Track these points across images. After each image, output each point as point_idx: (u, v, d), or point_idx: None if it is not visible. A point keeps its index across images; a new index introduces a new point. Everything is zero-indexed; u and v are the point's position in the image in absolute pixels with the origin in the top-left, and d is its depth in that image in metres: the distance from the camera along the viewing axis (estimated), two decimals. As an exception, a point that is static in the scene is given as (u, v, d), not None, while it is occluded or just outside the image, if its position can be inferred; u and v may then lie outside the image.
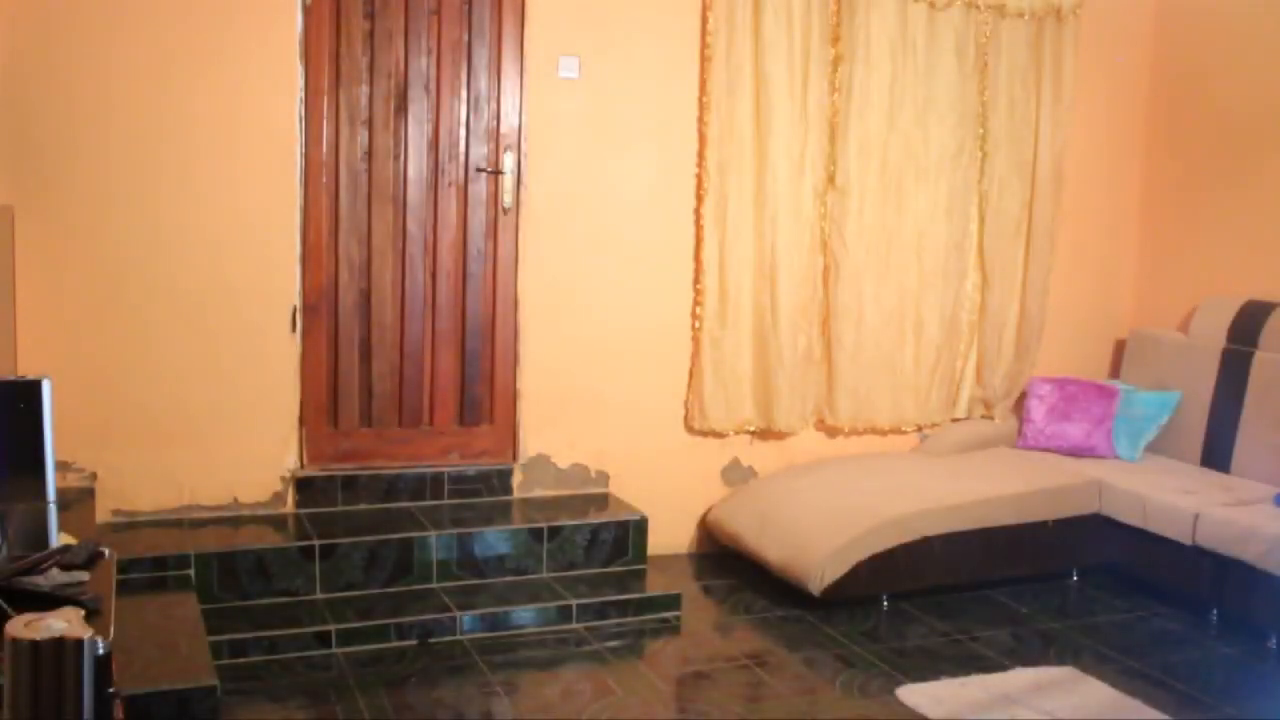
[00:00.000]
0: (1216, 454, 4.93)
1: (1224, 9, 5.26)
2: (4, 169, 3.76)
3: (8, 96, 3.75)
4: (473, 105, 4.36)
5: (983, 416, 5.37)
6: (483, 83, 4.37)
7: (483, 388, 4.49)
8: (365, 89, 4.21)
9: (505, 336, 4.50)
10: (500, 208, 4.40)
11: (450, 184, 4.36)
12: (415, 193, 4.32)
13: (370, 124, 4.24)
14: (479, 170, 4.39)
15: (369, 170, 4.26)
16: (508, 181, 4.41)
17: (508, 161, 4.39)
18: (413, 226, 4.33)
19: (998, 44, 5.12)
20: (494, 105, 4.39)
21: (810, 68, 4.75)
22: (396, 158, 4.28)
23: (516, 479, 4.55)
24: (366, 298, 4.31)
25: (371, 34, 4.20)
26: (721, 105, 4.65)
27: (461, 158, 4.37)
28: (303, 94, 4.11)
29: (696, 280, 4.75)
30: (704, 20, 4.61)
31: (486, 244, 4.43)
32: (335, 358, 4.29)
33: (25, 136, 3.79)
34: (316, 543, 3.92)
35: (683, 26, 4.61)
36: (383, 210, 4.29)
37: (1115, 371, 5.61)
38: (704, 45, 4.63)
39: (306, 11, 4.09)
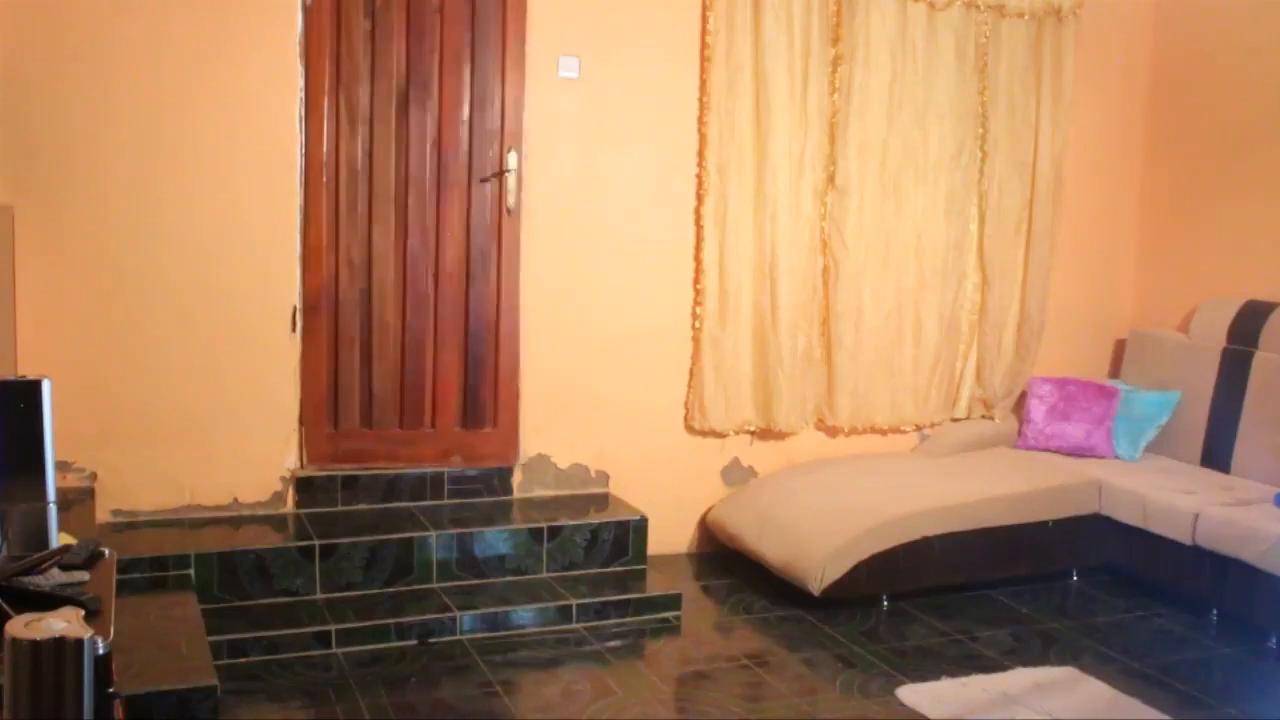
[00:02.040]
0: (1216, 454, 4.93)
1: (1223, 10, 5.26)
2: (4, 169, 3.76)
3: (8, 97, 3.75)
4: (475, 105, 4.35)
5: (983, 416, 5.37)
6: (484, 83, 4.34)
7: (486, 391, 4.47)
8: (366, 89, 4.20)
9: (509, 339, 4.47)
10: (505, 208, 4.39)
11: (452, 184, 4.35)
12: (417, 193, 4.30)
13: (371, 124, 4.23)
14: (481, 170, 4.37)
15: (370, 171, 4.24)
16: (510, 182, 4.39)
17: (511, 161, 4.37)
18: (414, 227, 4.31)
19: (997, 44, 5.12)
20: (497, 105, 4.37)
21: (810, 68, 4.75)
22: (398, 158, 4.27)
23: (516, 479, 4.55)
24: (367, 298, 4.29)
25: (372, 34, 4.19)
26: (721, 105, 4.65)
27: (463, 158, 4.35)
28: (303, 94, 4.11)
29: (696, 280, 4.75)
30: (704, 20, 4.61)
31: (490, 244, 4.41)
32: (335, 359, 4.28)
33: (25, 137, 3.79)
34: (316, 543, 3.92)
35: (683, 26, 4.61)
36: (384, 211, 4.28)
37: (1115, 371, 5.61)
38: (704, 45, 4.63)
39: (306, 11, 4.09)
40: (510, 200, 4.36)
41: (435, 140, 4.31)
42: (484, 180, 4.36)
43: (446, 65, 4.29)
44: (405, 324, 4.35)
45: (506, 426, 4.51)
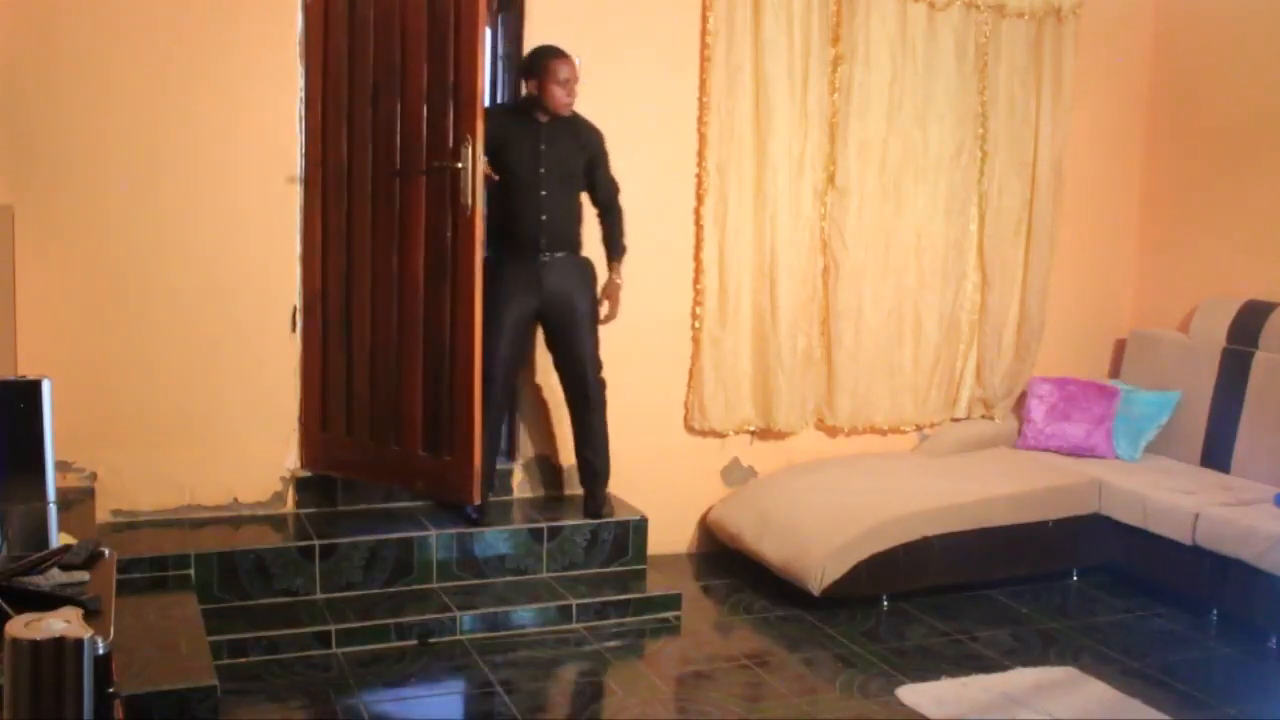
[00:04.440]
0: (1216, 454, 4.93)
1: (1223, 9, 5.26)
2: (4, 169, 3.76)
3: (8, 97, 3.74)
4: (433, 94, 3.94)
5: (983, 416, 5.37)
6: (441, 68, 3.93)
7: (444, 414, 3.96)
8: (349, 84, 4.07)
9: (465, 353, 3.90)
10: (461, 206, 3.88)
11: (412, 181, 4.00)
12: (385, 191, 4.05)
13: (351, 120, 4.07)
14: (429, 170, 3.96)
15: (350, 168, 4.09)
16: (465, 178, 3.86)
17: (464, 155, 3.84)
18: (381, 227, 4.06)
19: (997, 44, 5.12)
20: (453, 94, 3.91)
21: (810, 68, 4.74)
22: (374, 154, 4.06)
23: (516, 479, 4.55)
24: (349, 301, 4.11)
25: (351, 24, 4.04)
26: (721, 105, 4.65)
27: (423, 152, 3.99)
28: (303, 94, 4.10)
29: (696, 280, 4.74)
30: (704, 21, 4.61)
31: (446, 247, 3.98)
32: (325, 362, 4.19)
33: (25, 137, 3.78)
34: (316, 543, 3.92)
35: (683, 27, 4.61)
36: (362, 210, 4.08)
37: (1115, 371, 5.61)
38: (704, 46, 4.63)
39: (306, 11, 4.08)
40: (465, 198, 3.82)
41: (401, 134, 3.99)
42: (429, 171, 3.90)
43: (409, 53, 3.93)
44: (375, 332, 4.11)
45: (462, 456, 3.93)
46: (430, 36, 3.93)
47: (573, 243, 4.26)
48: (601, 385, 4.31)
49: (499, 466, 4.48)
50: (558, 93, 4.08)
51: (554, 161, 4.14)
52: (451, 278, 3.92)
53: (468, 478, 3.94)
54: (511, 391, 4.37)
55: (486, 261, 4.11)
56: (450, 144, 3.90)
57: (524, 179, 4.11)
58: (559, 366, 4.33)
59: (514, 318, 4.15)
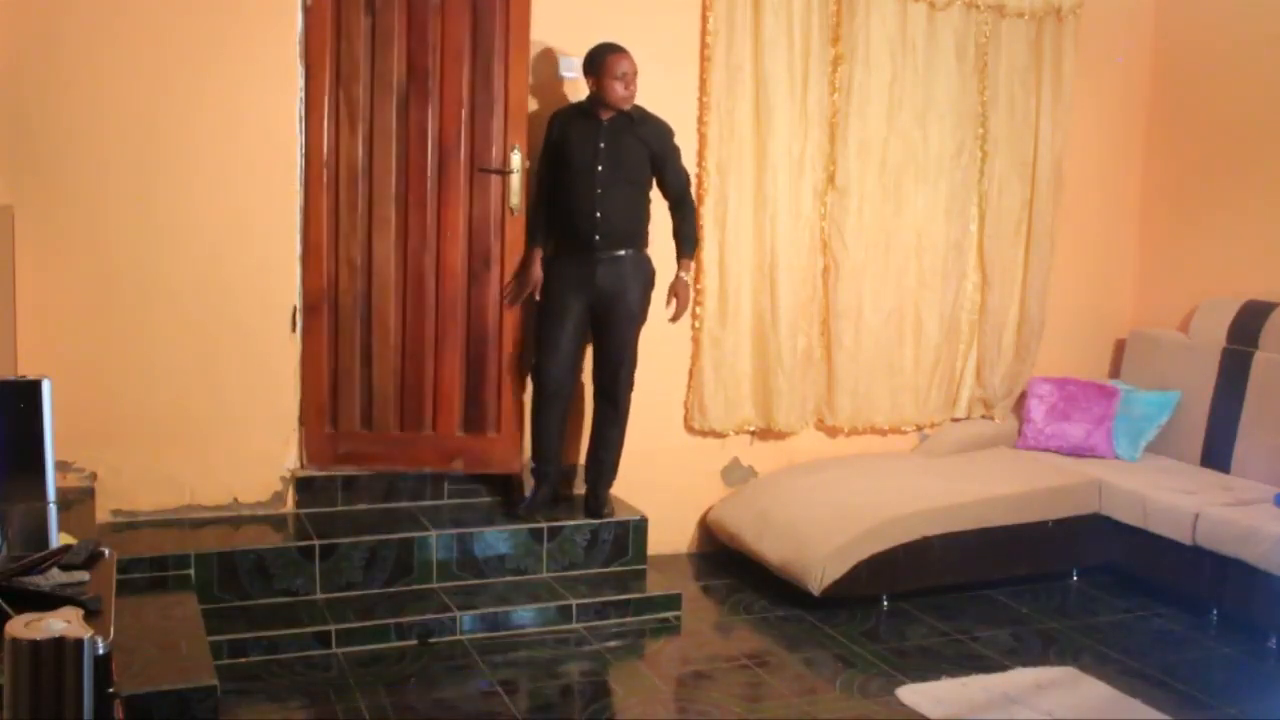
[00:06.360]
0: (1216, 454, 4.93)
1: (1223, 9, 5.26)
2: (4, 169, 3.76)
3: (7, 97, 3.74)
4: (476, 104, 4.23)
5: (983, 416, 5.37)
6: (486, 80, 4.23)
7: (489, 395, 4.33)
8: (366, 87, 4.15)
9: (513, 342, 4.32)
10: (508, 208, 4.27)
11: (453, 184, 4.24)
12: (417, 192, 4.23)
13: (371, 123, 4.18)
14: (483, 170, 4.25)
15: (370, 170, 4.19)
16: (514, 181, 4.25)
17: (514, 161, 4.23)
18: (414, 226, 4.23)
19: (997, 44, 5.12)
20: (500, 104, 4.24)
21: (810, 68, 4.75)
22: (399, 157, 4.20)
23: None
24: (367, 298, 4.23)
25: (373, 32, 4.14)
26: (721, 105, 4.65)
27: (465, 157, 4.24)
28: (303, 94, 4.10)
29: (696, 280, 4.74)
30: (704, 20, 4.61)
31: (493, 245, 4.28)
32: (335, 359, 4.25)
33: (25, 137, 3.78)
34: (316, 543, 3.92)
35: (683, 27, 4.61)
36: (384, 210, 4.21)
37: (1115, 371, 5.61)
38: (704, 46, 4.63)
39: (307, 11, 4.08)
40: (514, 200, 4.23)
41: (437, 139, 4.22)
42: (483, 171, 4.22)
43: (447, 63, 4.20)
44: (405, 325, 4.27)
45: (510, 432, 4.35)
46: (473, 47, 4.19)
47: (634, 240, 4.26)
48: (629, 386, 4.32)
49: (503, 474, 4.43)
50: (615, 87, 4.11)
51: (612, 158, 4.16)
52: (500, 270, 4.28)
53: (514, 450, 4.37)
54: (572, 385, 4.38)
55: (545, 259, 4.31)
56: (494, 150, 4.24)
57: (581, 176, 4.16)
58: (596, 360, 4.35)
59: (569, 313, 4.21)
